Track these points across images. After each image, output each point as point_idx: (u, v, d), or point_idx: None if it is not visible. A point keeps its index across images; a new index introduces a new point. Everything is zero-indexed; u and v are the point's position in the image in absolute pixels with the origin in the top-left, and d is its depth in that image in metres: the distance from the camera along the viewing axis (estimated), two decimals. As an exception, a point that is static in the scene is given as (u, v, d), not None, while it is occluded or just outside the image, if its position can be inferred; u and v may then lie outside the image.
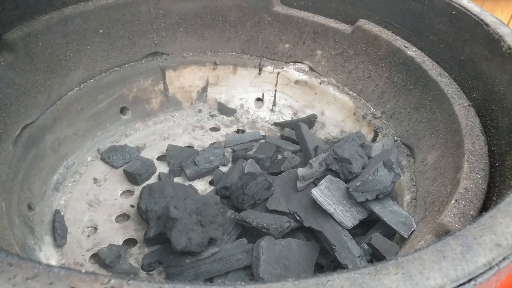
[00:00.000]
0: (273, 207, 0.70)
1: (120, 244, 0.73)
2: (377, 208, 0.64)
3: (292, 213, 0.68)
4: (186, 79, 1.00)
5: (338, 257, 0.61)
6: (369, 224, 0.69)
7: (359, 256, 0.62)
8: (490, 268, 0.32)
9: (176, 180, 0.85)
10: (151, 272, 0.69)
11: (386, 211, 0.63)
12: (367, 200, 0.64)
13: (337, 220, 0.65)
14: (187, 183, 0.82)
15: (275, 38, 0.98)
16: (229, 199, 0.76)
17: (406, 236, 0.60)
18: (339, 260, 0.61)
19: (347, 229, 0.65)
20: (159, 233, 0.69)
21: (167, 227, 0.64)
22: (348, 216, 0.65)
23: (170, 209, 0.64)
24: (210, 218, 0.64)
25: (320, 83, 0.96)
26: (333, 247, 0.62)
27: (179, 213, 0.63)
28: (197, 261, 0.64)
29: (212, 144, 0.93)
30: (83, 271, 0.28)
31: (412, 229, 0.60)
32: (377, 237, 0.63)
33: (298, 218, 0.67)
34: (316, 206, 0.66)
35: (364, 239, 0.67)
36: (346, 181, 0.69)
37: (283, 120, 1.02)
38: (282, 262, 0.61)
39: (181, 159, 0.87)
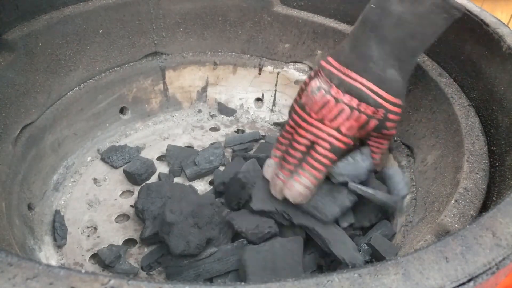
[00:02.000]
0: (258, 207, 0.66)
1: (120, 244, 0.73)
2: (362, 189, 0.64)
3: (280, 212, 0.66)
4: (186, 79, 1.00)
5: (334, 250, 0.60)
6: (369, 227, 0.69)
7: (353, 248, 0.62)
8: (490, 268, 0.32)
9: (176, 180, 0.85)
10: (151, 272, 0.69)
11: (373, 191, 0.64)
12: (347, 182, 0.64)
13: (322, 212, 0.63)
14: (187, 183, 0.82)
15: (275, 38, 0.98)
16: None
17: (398, 206, 0.63)
18: (335, 253, 0.60)
19: (340, 225, 0.65)
20: (155, 233, 0.69)
21: (164, 231, 0.64)
22: (332, 207, 0.64)
23: (165, 213, 0.63)
24: (206, 219, 0.64)
25: (320, 83, 0.96)
26: (327, 242, 0.61)
27: (175, 217, 0.63)
28: (195, 261, 0.64)
29: (212, 144, 0.93)
30: (83, 271, 0.28)
31: (403, 196, 0.60)
32: (376, 238, 0.63)
33: (287, 217, 0.65)
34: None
35: (363, 239, 0.67)
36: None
37: (283, 120, 1.02)
38: (269, 267, 0.60)
39: (181, 159, 0.87)
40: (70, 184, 0.82)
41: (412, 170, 0.74)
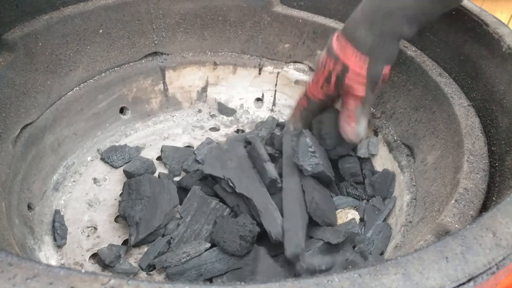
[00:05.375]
0: (208, 171, 0.72)
1: (120, 244, 0.73)
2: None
3: (226, 179, 0.70)
4: (186, 79, 1.00)
5: (263, 222, 0.64)
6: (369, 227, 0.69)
7: (281, 225, 0.65)
8: (490, 268, 0.32)
9: (176, 179, 0.84)
10: (151, 272, 0.69)
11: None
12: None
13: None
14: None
15: (275, 38, 0.98)
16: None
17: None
18: (264, 225, 0.64)
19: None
20: (142, 239, 0.69)
21: (163, 248, 0.65)
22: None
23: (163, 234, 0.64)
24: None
25: (320, 83, 0.96)
26: (259, 212, 0.65)
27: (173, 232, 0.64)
28: (192, 258, 0.65)
29: (203, 142, 0.92)
30: (83, 271, 0.28)
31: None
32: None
33: (231, 185, 0.69)
34: (249, 176, 0.70)
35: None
36: None
37: (282, 120, 1.02)
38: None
39: (177, 159, 0.87)
40: (70, 184, 0.82)
41: (412, 170, 0.74)
